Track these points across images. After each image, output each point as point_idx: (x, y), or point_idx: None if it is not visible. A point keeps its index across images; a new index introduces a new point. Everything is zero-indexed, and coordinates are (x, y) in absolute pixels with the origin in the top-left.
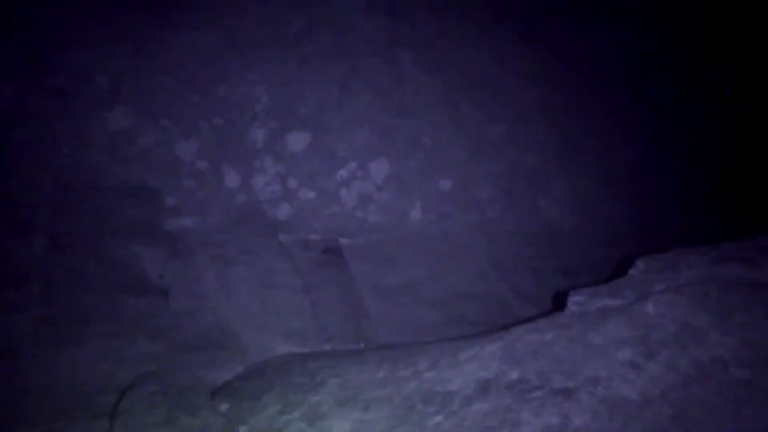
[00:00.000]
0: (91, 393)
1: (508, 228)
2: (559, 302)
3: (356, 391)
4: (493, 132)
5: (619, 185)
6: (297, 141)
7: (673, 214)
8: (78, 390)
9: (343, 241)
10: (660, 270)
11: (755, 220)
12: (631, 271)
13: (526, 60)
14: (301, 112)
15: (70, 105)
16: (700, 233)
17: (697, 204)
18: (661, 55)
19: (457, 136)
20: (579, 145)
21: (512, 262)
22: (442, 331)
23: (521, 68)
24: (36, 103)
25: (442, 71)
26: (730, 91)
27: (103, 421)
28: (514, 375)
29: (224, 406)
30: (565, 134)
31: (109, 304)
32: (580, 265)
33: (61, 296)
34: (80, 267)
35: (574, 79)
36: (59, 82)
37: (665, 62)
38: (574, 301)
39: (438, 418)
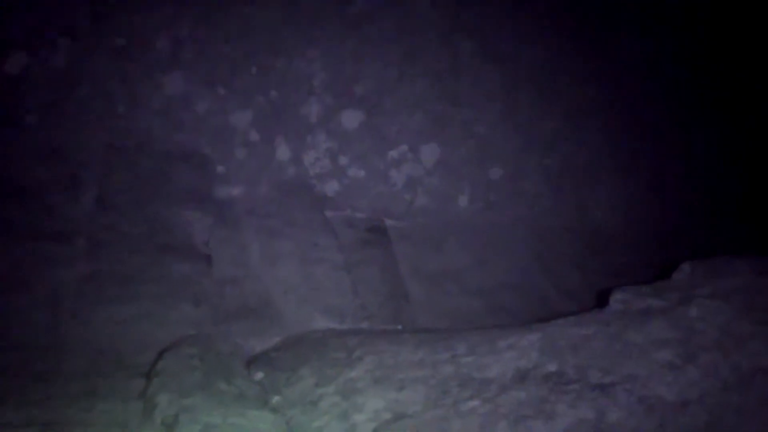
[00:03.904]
0: (130, 352)
1: (554, 223)
2: (601, 300)
3: (392, 370)
4: (547, 127)
5: (669, 190)
6: (350, 119)
7: (723, 222)
8: (117, 348)
9: (389, 221)
10: (705, 275)
11: None
12: (676, 275)
13: (585, 60)
14: (357, 91)
15: (129, 66)
16: (749, 244)
17: (749, 214)
18: (722, 61)
19: (510, 128)
20: (631, 147)
21: (556, 258)
22: (482, 320)
23: (579, 67)
24: (96, 62)
25: (501, 63)
26: None
27: (139, 380)
28: (552, 367)
29: (259, 375)
30: (618, 135)
31: (153, 266)
32: (624, 266)
33: (106, 255)
34: (127, 227)
35: (631, 81)
36: (120, 42)
37: (725, 69)
38: (617, 299)
39: (473, 403)
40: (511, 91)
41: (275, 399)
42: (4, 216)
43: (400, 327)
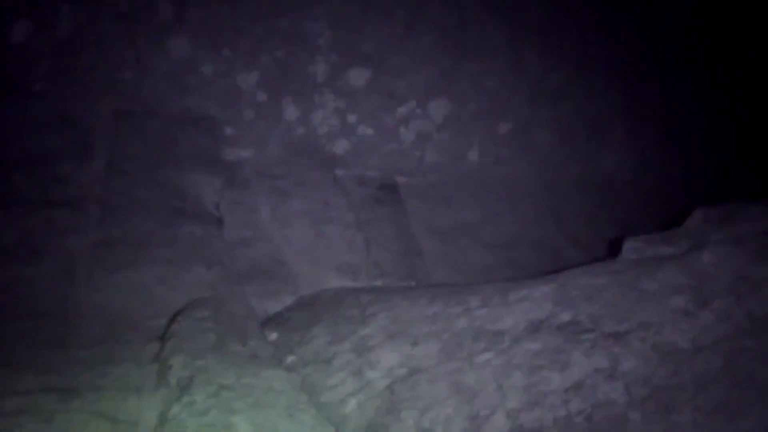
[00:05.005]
0: (144, 316)
1: (565, 175)
2: (614, 249)
3: (406, 325)
4: (556, 79)
5: (681, 139)
6: (358, 77)
7: (736, 169)
8: (131, 313)
9: (400, 179)
10: (718, 221)
11: None
12: (688, 221)
13: (593, 10)
14: (364, 48)
15: (134, 31)
16: (763, 189)
17: (762, 160)
18: (731, 8)
19: (518, 81)
20: (641, 97)
21: (568, 210)
22: (495, 273)
23: (587, 18)
24: (100, 27)
25: (507, 16)
26: None
27: (154, 344)
28: (566, 317)
29: (273, 336)
30: (628, 86)
31: (165, 230)
32: (636, 216)
33: (117, 221)
34: (137, 192)
35: (641, 32)
36: (123, 7)
37: (735, 15)
38: (629, 247)
39: (487, 356)
40: (518, 43)
41: (289, 358)
42: (15, 185)
43: (413, 283)
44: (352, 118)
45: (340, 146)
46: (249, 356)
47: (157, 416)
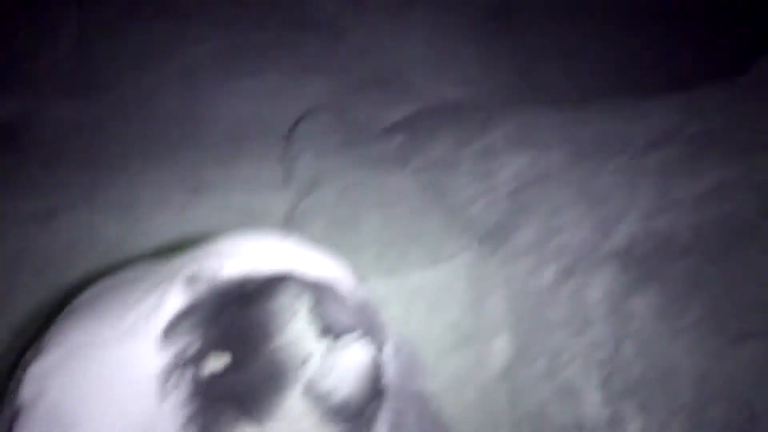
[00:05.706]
0: (268, 120)
1: None
2: (744, 66)
3: (530, 133)
4: None
5: None
6: None
7: None
8: (255, 117)
9: None
10: None
11: None
12: None
13: None
14: None
15: None
16: None
17: None
18: None
19: None
20: None
21: (699, 30)
22: (621, 89)
23: None
24: None
25: None
26: None
27: (279, 146)
28: (697, 128)
29: (398, 139)
30: None
31: (283, 41)
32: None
33: (236, 31)
34: (251, 5)
35: None
36: None
37: None
38: (762, 64)
39: (615, 163)
40: None
41: (414, 161)
42: None
43: (533, 98)
44: None
45: None
46: (374, 158)
47: (285, 210)
